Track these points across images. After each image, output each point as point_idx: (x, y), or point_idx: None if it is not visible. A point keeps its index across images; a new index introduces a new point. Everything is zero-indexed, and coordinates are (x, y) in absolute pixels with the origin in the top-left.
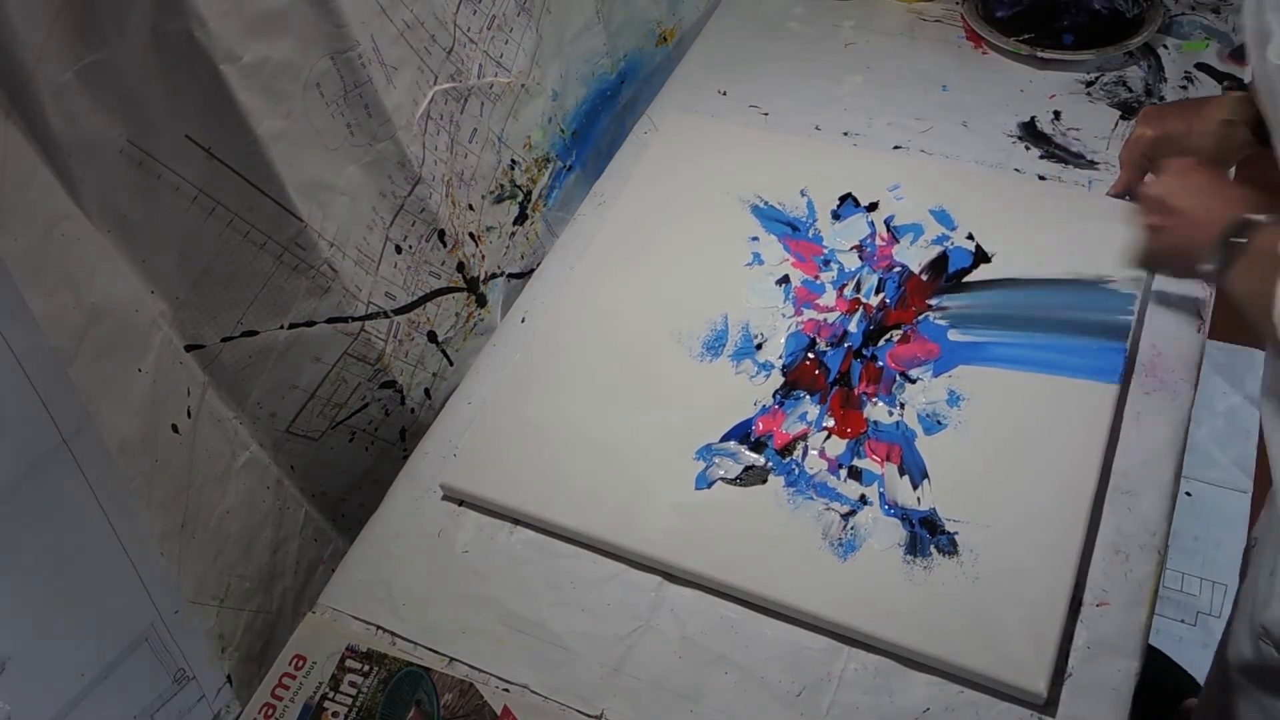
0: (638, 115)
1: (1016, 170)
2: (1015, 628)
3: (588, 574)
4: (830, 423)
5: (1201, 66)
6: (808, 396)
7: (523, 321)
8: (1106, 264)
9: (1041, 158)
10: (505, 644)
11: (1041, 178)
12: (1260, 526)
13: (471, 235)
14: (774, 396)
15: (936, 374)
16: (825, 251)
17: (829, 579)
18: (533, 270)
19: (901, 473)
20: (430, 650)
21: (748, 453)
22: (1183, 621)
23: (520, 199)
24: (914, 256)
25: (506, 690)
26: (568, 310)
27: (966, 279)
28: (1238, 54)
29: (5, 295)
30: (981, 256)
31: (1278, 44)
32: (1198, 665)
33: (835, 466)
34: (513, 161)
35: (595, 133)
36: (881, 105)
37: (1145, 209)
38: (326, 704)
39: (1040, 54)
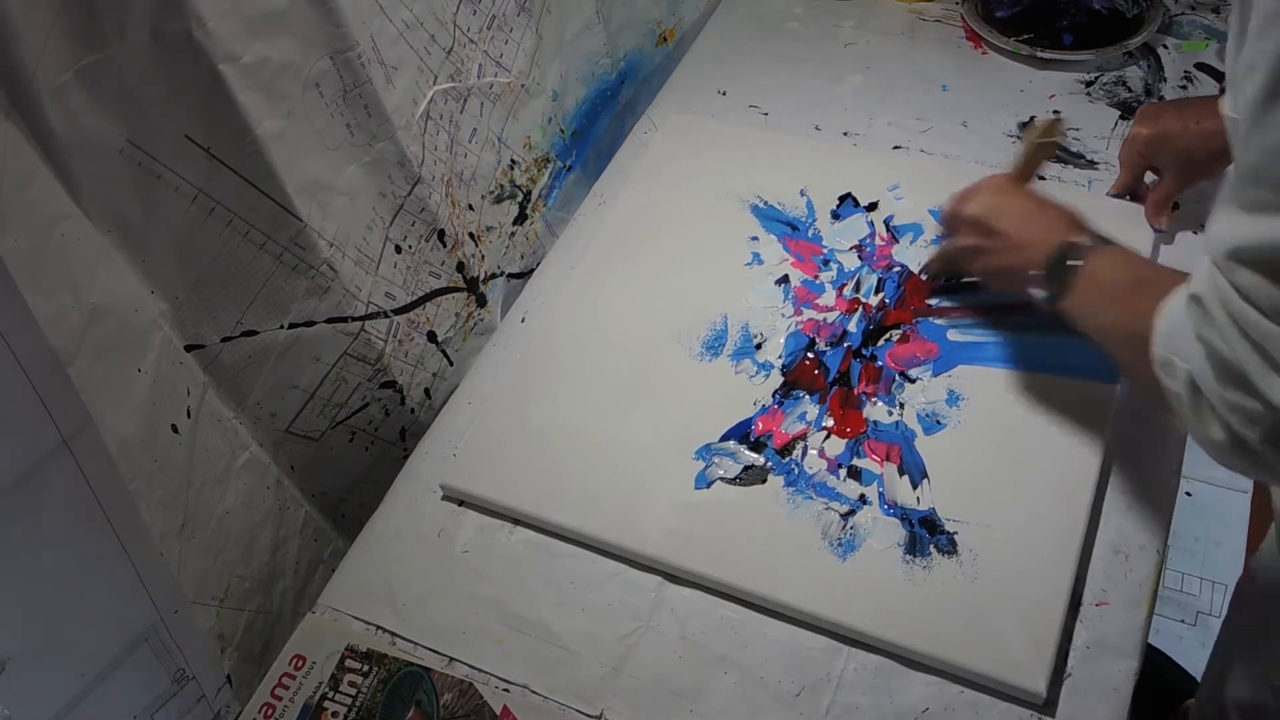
0: (638, 115)
1: None
2: (1015, 628)
3: (588, 574)
4: (830, 422)
5: (1201, 66)
6: (807, 396)
7: (523, 321)
8: None
9: None
10: (505, 644)
11: (1041, 178)
12: (1258, 567)
13: (471, 235)
14: (773, 396)
15: (936, 374)
16: (825, 251)
17: (829, 579)
18: (533, 270)
19: (901, 472)
20: (430, 650)
21: (747, 452)
22: (1183, 621)
23: (520, 199)
24: (914, 256)
25: (506, 690)
26: (568, 310)
27: (966, 279)
28: None
29: (5, 295)
30: None
31: (1226, 98)
32: (1197, 665)
33: (835, 466)
34: (513, 161)
35: (595, 133)
36: (881, 105)
37: (963, 229)
38: (326, 704)
39: (1040, 54)
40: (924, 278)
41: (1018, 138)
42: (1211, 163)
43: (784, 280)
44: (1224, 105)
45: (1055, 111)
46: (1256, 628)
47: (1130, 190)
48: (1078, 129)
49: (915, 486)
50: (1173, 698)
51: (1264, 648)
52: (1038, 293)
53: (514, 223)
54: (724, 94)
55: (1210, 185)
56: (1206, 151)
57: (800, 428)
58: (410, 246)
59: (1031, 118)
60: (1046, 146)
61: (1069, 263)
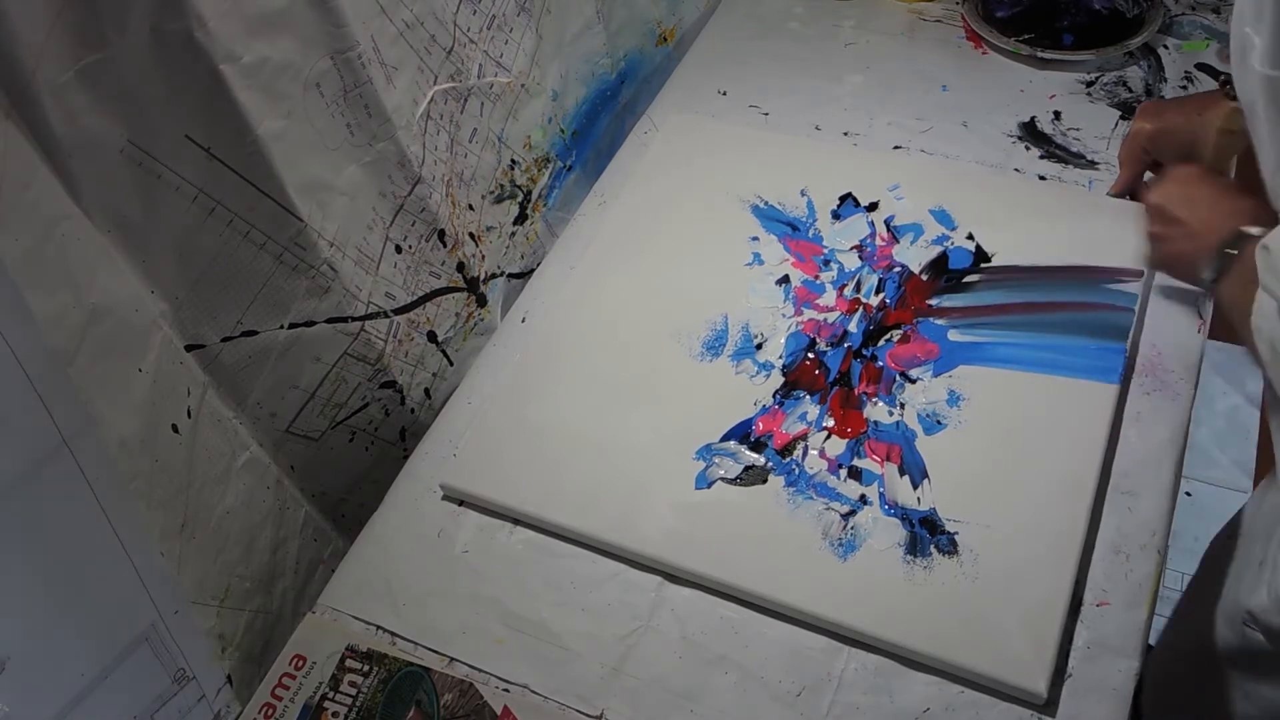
0: (638, 115)
1: (1016, 170)
2: (1015, 628)
3: (588, 574)
4: (830, 423)
5: (1201, 66)
6: (808, 396)
7: (523, 321)
8: (1107, 264)
9: (1042, 158)
10: (505, 644)
11: (1042, 178)
12: (1247, 515)
13: (471, 235)
14: (774, 396)
15: (936, 374)
16: (825, 251)
17: (829, 579)
18: (533, 270)
19: (901, 473)
20: (430, 650)
21: (748, 453)
22: None
23: (520, 199)
24: (914, 256)
25: (506, 690)
26: (568, 310)
27: (966, 279)
28: None
29: (5, 295)
30: (981, 256)
31: (1260, 51)
32: None
33: (835, 466)
34: (513, 161)
35: (595, 133)
36: (881, 105)
37: (1147, 217)
38: (326, 704)
39: (1040, 54)
40: (924, 278)
41: (1018, 138)
42: (1213, 170)
43: (784, 280)
44: (1262, 61)
45: (1229, 92)
46: (1248, 572)
47: (1131, 189)
48: (1078, 129)
49: (916, 487)
50: None
51: (1254, 589)
52: (1205, 277)
53: (514, 223)
54: (724, 94)
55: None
56: (1209, 160)
57: (801, 428)
58: (410, 246)
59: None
60: (1232, 134)
61: (1226, 250)
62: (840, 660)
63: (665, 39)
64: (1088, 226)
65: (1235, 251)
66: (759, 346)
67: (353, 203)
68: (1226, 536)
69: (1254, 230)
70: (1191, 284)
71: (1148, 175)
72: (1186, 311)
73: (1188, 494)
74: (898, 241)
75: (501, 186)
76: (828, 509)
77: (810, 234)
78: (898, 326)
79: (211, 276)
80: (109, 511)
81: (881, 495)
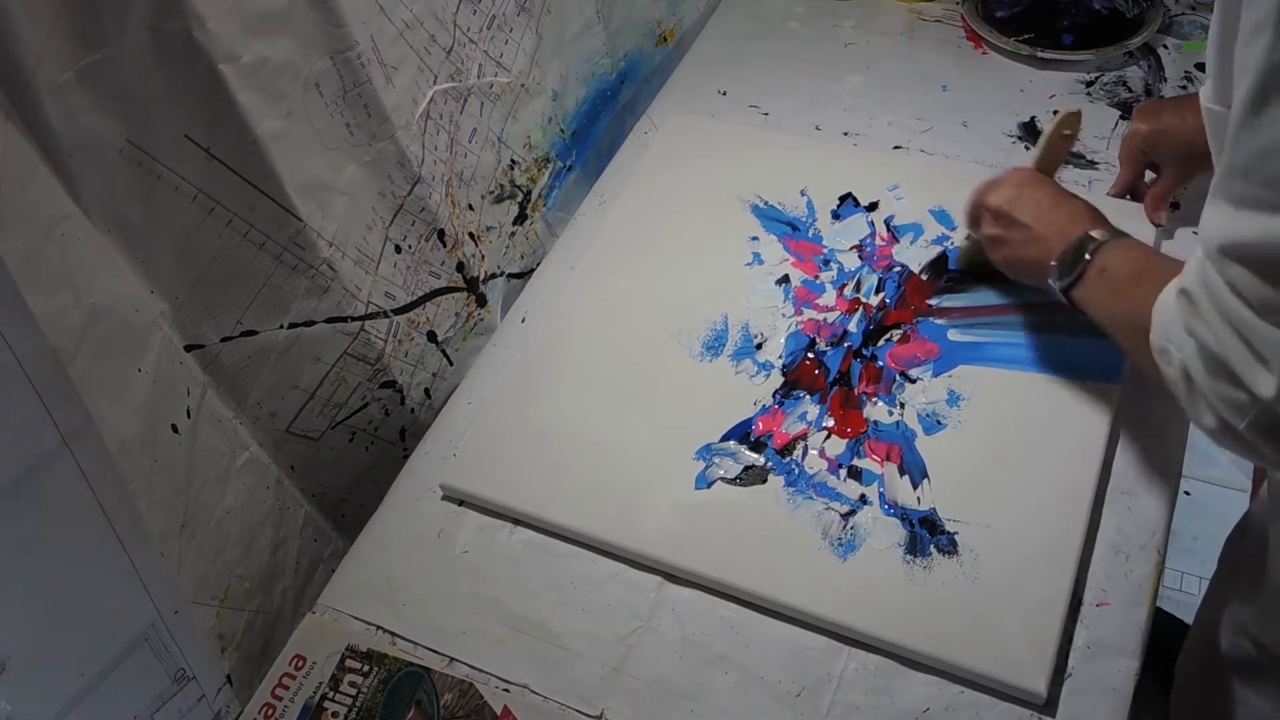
0: (638, 115)
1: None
2: (1015, 628)
3: (588, 574)
4: (830, 422)
5: (1201, 66)
6: (807, 396)
7: (523, 321)
8: None
9: None
10: (505, 644)
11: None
12: (1251, 520)
13: (471, 235)
14: (774, 396)
15: (936, 374)
16: (825, 251)
17: (829, 579)
18: (533, 270)
19: (901, 472)
20: (430, 650)
21: (747, 452)
22: (1182, 620)
23: (520, 199)
24: (914, 256)
25: (506, 690)
26: (568, 310)
27: (966, 279)
28: None
29: (5, 295)
30: None
31: (1206, 88)
32: None
33: (835, 466)
34: (513, 161)
35: (595, 133)
36: (881, 105)
37: (986, 219)
38: (326, 704)
39: (1040, 54)
40: (924, 278)
41: (1018, 138)
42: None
43: (784, 280)
44: (1204, 95)
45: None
46: (1243, 579)
47: (1130, 189)
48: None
49: (916, 486)
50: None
51: (1248, 599)
52: (1053, 283)
53: (514, 223)
54: (724, 94)
55: (1210, 180)
56: (1206, 145)
57: (801, 428)
58: (410, 246)
59: (1054, 111)
60: (1067, 138)
61: (1085, 256)
62: (840, 660)
63: (665, 39)
64: None
65: (1086, 257)
66: (759, 346)
67: (352, 202)
68: (1239, 533)
69: (1097, 234)
70: (1035, 285)
71: (1148, 176)
72: None
73: (1187, 493)
74: (898, 241)
75: (501, 186)
76: (827, 509)
77: (810, 234)
78: (897, 326)
79: (211, 276)
80: (109, 511)
81: (881, 495)
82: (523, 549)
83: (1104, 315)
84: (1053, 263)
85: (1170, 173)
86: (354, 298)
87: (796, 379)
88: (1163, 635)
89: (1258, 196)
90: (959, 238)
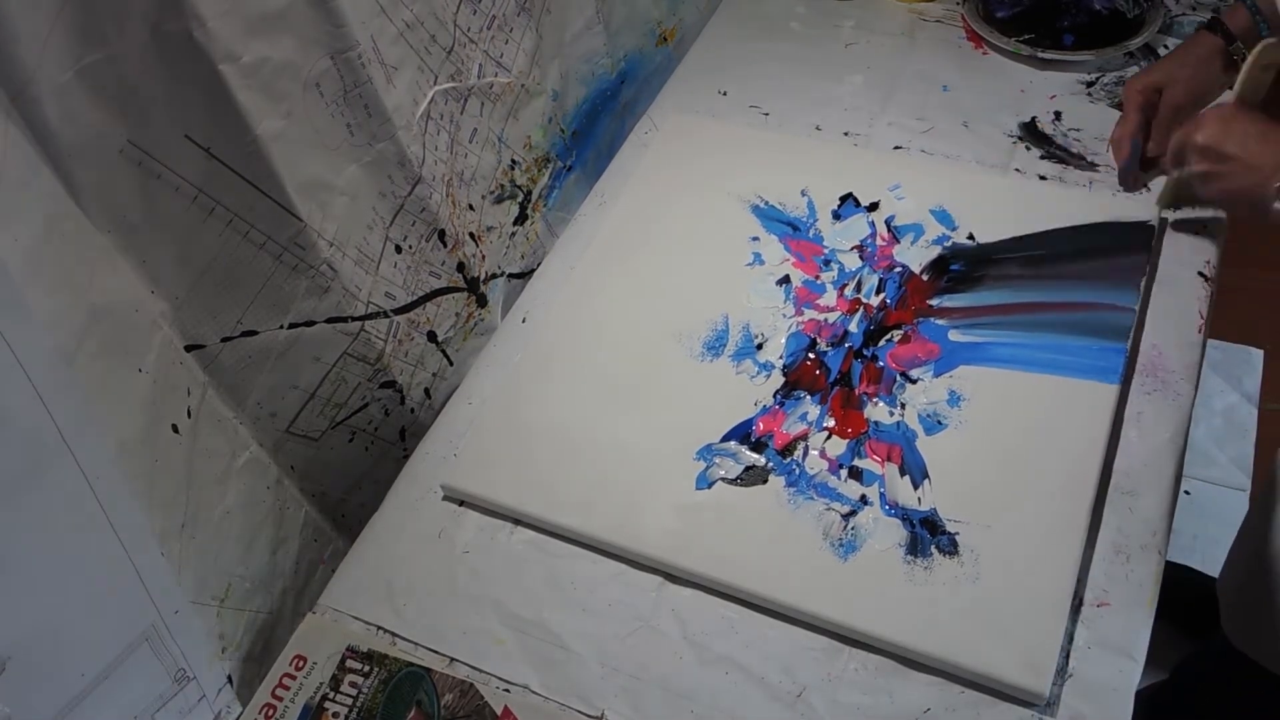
0: (638, 115)
1: (1017, 171)
2: (1016, 628)
3: (588, 574)
4: (831, 423)
5: None
6: (808, 396)
7: (523, 321)
8: (1107, 264)
9: (1042, 158)
10: (505, 644)
11: (1042, 178)
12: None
13: (471, 235)
14: (774, 396)
15: (937, 374)
16: (826, 251)
17: (829, 579)
18: (533, 270)
19: (902, 473)
20: (430, 650)
21: (748, 453)
22: (1185, 565)
23: (520, 199)
24: (914, 256)
25: (507, 690)
26: (568, 310)
27: (966, 279)
28: None
29: (5, 295)
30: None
31: None
32: None
33: (836, 467)
34: (513, 161)
35: (595, 133)
36: (882, 105)
37: (1194, 156)
38: (327, 704)
39: (1041, 54)
40: (925, 278)
41: (1019, 138)
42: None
43: (785, 280)
44: None
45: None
46: None
47: (1143, 129)
48: (1078, 129)
49: (916, 487)
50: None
51: None
52: (1276, 207)
53: (514, 223)
54: (724, 94)
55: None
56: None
57: (801, 428)
58: (410, 246)
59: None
60: (1270, 69)
61: None
62: (841, 660)
63: (665, 39)
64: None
65: None
66: (759, 347)
67: (353, 203)
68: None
69: None
70: (1254, 218)
71: (1188, 128)
72: (1187, 311)
73: (1186, 493)
74: (898, 241)
75: (501, 186)
76: (828, 509)
77: (811, 234)
78: (898, 326)
79: (211, 276)
80: (109, 511)
81: (882, 495)
82: (523, 549)
83: None
84: (1275, 187)
85: (1181, 88)
86: (354, 298)
87: (797, 379)
88: (1168, 581)
89: None
90: (1158, 202)
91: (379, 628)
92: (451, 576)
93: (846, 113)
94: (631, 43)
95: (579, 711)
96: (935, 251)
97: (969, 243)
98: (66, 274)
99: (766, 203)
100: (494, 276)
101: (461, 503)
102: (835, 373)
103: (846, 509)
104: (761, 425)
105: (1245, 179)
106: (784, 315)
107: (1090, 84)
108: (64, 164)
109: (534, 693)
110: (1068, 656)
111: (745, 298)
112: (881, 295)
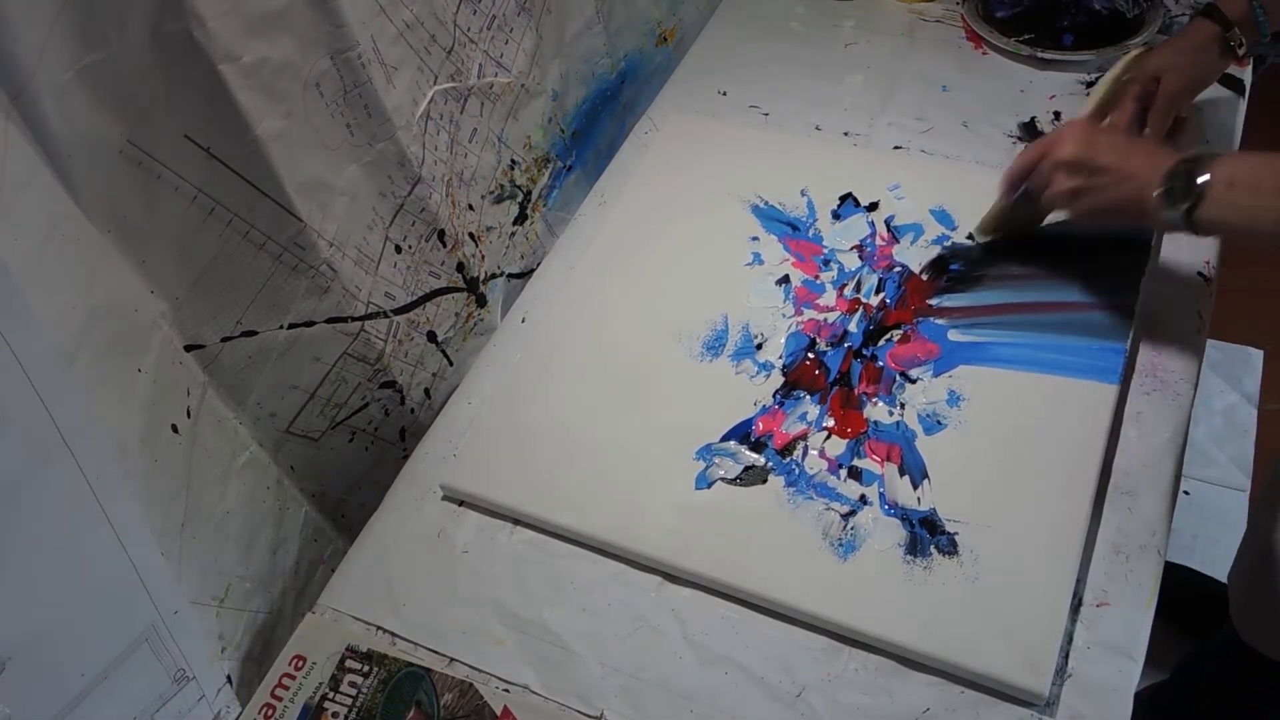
0: (638, 115)
1: None
2: (1015, 628)
3: (588, 574)
4: (830, 423)
5: None
6: (808, 396)
7: (523, 321)
8: (1106, 264)
9: None
10: (505, 644)
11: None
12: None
13: (471, 235)
14: (774, 396)
15: (937, 374)
16: (825, 251)
17: (829, 579)
18: (533, 270)
19: (902, 473)
20: (430, 650)
21: (748, 453)
22: (1183, 565)
23: (520, 199)
24: (914, 256)
25: (506, 690)
26: (568, 310)
27: (965, 279)
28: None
29: (5, 295)
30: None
31: None
32: None
33: (835, 466)
34: (513, 161)
35: (595, 133)
36: (882, 105)
37: (1059, 175)
38: (326, 704)
39: (1040, 54)
40: (924, 278)
41: (1019, 138)
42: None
43: (784, 280)
44: None
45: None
46: None
47: (1139, 118)
48: None
49: (916, 487)
50: (1210, 603)
51: None
52: (1166, 214)
53: (514, 223)
54: (724, 94)
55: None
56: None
57: (801, 428)
58: (410, 246)
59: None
60: (1127, 84)
61: (1199, 179)
62: (840, 660)
63: (665, 39)
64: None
65: (1206, 177)
66: (759, 346)
67: (353, 203)
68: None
69: (1194, 152)
70: (1135, 225)
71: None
72: (1186, 311)
73: (1186, 493)
74: (898, 241)
75: (501, 186)
76: (828, 509)
77: (810, 234)
78: (898, 326)
79: (211, 276)
80: (109, 511)
81: (881, 495)
82: (523, 549)
83: (1255, 222)
84: (1155, 194)
85: (1177, 75)
86: (354, 298)
87: (797, 379)
88: (1167, 581)
89: None
90: (976, 230)
91: (378, 628)
92: (451, 576)
93: (846, 113)
94: (631, 43)
95: (579, 711)
96: (935, 251)
97: (969, 243)
98: (66, 274)
99: (766, 202)
100: (494, 276)
101: (461, 503)
102: (835, 373)
103: (846, 509)
104: (761, 425)
105: (1122, 189)
106: (783, 315)
107: (1090, 84)
108: (64, 164)
109: (534, 693)
110: (1067, 656)
111: (745, 297)
112: (881, 295)
